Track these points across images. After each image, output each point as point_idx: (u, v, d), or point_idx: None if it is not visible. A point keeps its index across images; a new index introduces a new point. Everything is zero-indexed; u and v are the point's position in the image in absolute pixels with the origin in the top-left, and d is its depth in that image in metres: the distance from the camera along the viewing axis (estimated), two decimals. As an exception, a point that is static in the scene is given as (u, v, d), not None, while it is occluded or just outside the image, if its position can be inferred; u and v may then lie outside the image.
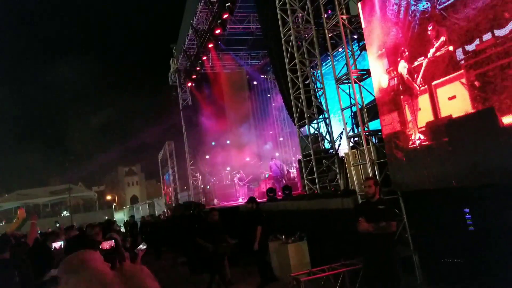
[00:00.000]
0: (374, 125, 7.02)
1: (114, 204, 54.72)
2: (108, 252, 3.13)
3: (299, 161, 10.31)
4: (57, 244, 5.59)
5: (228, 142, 20.28)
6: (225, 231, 7.58)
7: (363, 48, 7.47)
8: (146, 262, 3.99)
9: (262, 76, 21.04)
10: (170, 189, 27.50)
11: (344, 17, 7.37)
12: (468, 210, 5.00)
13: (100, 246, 3.28)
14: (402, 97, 5.75)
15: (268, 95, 20.69)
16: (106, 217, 35.82)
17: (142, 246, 4.08)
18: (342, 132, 9.06)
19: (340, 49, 8.43)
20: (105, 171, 76.89)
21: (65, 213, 41.54)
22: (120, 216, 42.09)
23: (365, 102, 7.11)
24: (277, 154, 18.56)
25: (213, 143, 20.57)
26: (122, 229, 19.09)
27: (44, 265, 3.24)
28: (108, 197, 59.29)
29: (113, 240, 3.52)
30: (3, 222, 40.70)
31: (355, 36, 7.72)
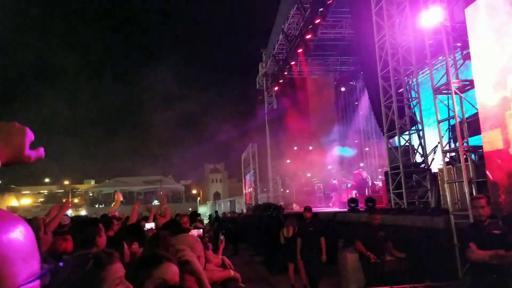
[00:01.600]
0: (474, 141, 6.43)
1: (199, 198, 57.81)
2: None
3: (386, 173, 9.84)
4: (149, 226, 6.13)
5: (310, 148, 20.15)
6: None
7: (466, 57, 6.89)
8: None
9: (350, 82, 20.52)
10: (251, 189, 28.17)
11: (446, 23, 6.87)
12: None
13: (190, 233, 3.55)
14: (507, 113, 5.17)
15: (356, 103, 20.10)
16: (190, 209, 38.16)
17: (220, 237, 4.32)
18: (436, 146, 8.42)
19: (440, 58, 7.86)
20: (192, 167, 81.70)
21: (156, 202, 45.11)
22: (203, 210, 44.37)
23: (466, 116, 6.54)
24: (361, 164, 17.94)
25: (295, 148, 20.60)
26: (206, 221, 20.14)
27: (139, 243, 3.61)
28: (194, 191, 62.81)
29: (201, 230, 3.79)
30: (103, 204, 45.64)
31: (459, 44, 7.15)
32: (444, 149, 6.92)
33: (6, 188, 55.24)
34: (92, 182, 66.72)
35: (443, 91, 6.96)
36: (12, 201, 55.91)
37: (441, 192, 7.57)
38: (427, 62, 7.69)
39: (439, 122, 7.06)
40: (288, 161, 20.58)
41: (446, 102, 6.95)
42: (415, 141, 9.03)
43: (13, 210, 40.74)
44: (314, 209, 14.74)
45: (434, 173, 8.37)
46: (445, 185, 6.87)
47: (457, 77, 6.72)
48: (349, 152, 19.03)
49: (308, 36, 14.84)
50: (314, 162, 19.42)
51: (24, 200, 58.51)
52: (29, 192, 62.59)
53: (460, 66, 7.02)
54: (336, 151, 19.02)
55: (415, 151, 8.89)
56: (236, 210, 31.90)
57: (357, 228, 7.28)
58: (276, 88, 21.47)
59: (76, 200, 55.95)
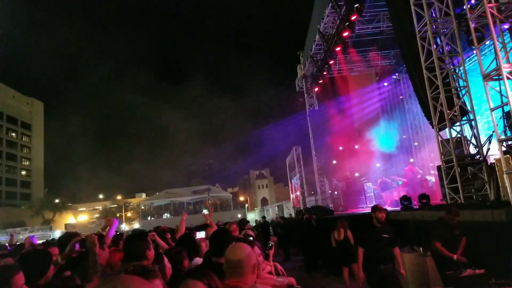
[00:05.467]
0: (534, 126, 6.01)
1: (247, 205, 58.36)
2: None
3: (439, 167, 9.41)
4: (199, 235, 6.29)
5: (356, 147, 19.73)
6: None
7: (517, 39, 6.48)
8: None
9: (393, 76, 19.90)
10: (298, 192, 28.02)
11: (492, 5, 6.51)
12: None
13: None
14: None
15: (401, 97, 19.42)
16: (239, 215, 38.60)
17: (269, 244, 4.35)
18: (491, 135, 7.95)
19: (488, 42, 7.45)
20: (238, 174, 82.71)
21: (205, 211, 46.09)
22: (252, 216, 44.72)
23: (522, 101, 6.14)
24: (411, 160, 17.29)
25: (340, 148, 20.27)
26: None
27: (190, 253, 3.72)
28: (241, 198, 63.54)
29: (251, 237, 3.85)
30: (155, 216, 47.33)
31: (506, 26, 6.75)
32: (500, 137, 6.52)
33: (63, 207, 58.93)
34: (143, 195, 69.59)
35: (494, 77, 6.59)
36: (70, 219, 59.64)
37: (500, 183, 7.13)
38: (473, 48, 7.30)
39: (492, 110, 6.68)
40: (334, 162, 20.28)
41: (497, 88, 6.57)
42: (468, 132, 8.58)
43: (71, 227, 43.46)
44: (364, 209, 14.48)
45: (491, 164, 7.88)
46: (504, 176, 6.47)
47: (507, 61, 6.34)
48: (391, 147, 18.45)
49: (345, 34, 14.63)
50: (361, 161, 19.01)
51: (80, 216, 62.24)
52: (85, 208, 66.51)
53: (511, 50, 6.60)
54: (377, 146, 18.51)
55: (468, 142, 8.43)
56: (285, 215, 31.86)
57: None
58: (316, 89, 21.29)
59: (129, 214, 58.60)
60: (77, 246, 4.06)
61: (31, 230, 43.08)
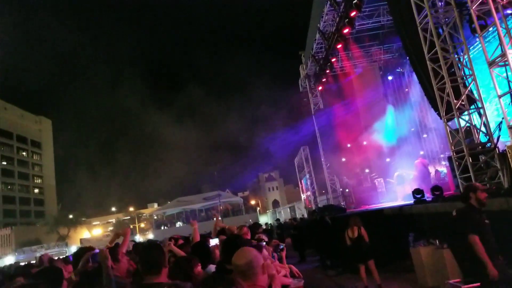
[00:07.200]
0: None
1: (258, 208, 58.27)
2: None
3: (449, 158, 9.31)
4: (213, 242, 6.29)
5: (365, 143, 19.61)
6: None
7: (521, 23, 6.40)
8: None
9: (397, 70, 19.79)
10: (309, 192, 27.93)
11: (494, -10, 6.45)
12: None
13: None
14: None
15: (406, 89, 19.29)
16: (251, 220, 38.56)
17: (280, 247, 4.33)
18: (501, 122, 7.85)
19: (491, 29, 7.37)
20: (248, 178, 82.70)
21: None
22: (264, 219, 44.63)
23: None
24: (421, 152, 17.13)
25: (348, 145, 20.17)
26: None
27: (205, 260, 3.72)
28: (252, 202, 63.49)
29: (264, 242, 3.84)
30: (168, 226, 47.44)
31: (509, 11, 6.67)
32: (510, 124, 6.44)
33: (77, 222, 59.28)
34: (155, 205, 69.83)
35: (500, 64, 6.52)
36: (84, 233, 60.00)
37: (513, 170, 7.03)
38: (476, 36, 7.23)
39: (499, 96, 6.61)
40: (344, 159, 20.17)
41: (504, 74, 6.50)
42: (477, 120, 8.48)
43: (86, 241, 43.70)
44: (378, 205, 14.37)
45: (503, 151, 7.78)
46: (517, 163, 6.38)
47: (513, 46, 6.27)
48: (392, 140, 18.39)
49: (346, 30, 14.58)
50: (371, 157, 18.88)
51: (95, 230, 62.52)
52: (98, 222, 66.85)
53: (515, 34, 6.53)
54: (385, 141, 18.40)
55: (478, 130, 8.34)
56: (297, 216, 31.76)
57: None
58: (320, 88, 21.23)
59: (142, 225, 58.81)
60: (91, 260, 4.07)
61: (47, 247, 43.43)
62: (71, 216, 59.52)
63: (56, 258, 7.70)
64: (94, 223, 66.73)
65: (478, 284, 4.61)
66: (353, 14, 13.58)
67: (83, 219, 62.02)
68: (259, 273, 2.11)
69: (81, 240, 48.94)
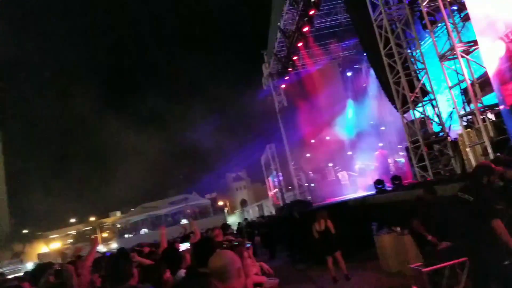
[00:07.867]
0: (489, 99, 6.37)
1: (226, 209, 58.08)
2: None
3: (407, 148, 9.77)
4: (183, 246, 6.20)
5: (327, 138, 20.10)
6: None
7: (465, 19, 6.85)
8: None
9: (356, 66, 20.43)
10: (276, 189, 28.23)
11: (441, -12, 6.84)
12: None
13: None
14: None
15: (364, 84, 19.98)
16: (220, 220, 38.38)
17: (246, 245, 4.42)
18: (452, 112, 8.36)
19: (440, 24, 7.81)
20: (215, 180, 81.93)
21: (184, 221, 45.35)
22: (233, 220, 44.53)
23: (475, 76, 6.49)
24: (380, 144, 17.79)
25: (312, 141, 20.58)
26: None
27: (175, 266, 3.68)
28: (220, 203, 63.19)
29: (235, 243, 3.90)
30: (133, 233, 46.27)
31: (455, 8, 7.10)
32: (460, 113, 6.87)
33: (33, 236, 56.20)
34: (118, 213, 67.52)
35: (449, 57, 6.93)
36: (42, 248, 57.00)
37: (464, 157, 7.50)
38: (426, 32, 7.64)
39: (450, 88, 7.02)
40: (308, 155, 20.57)
41: (453, 67, 6.91)
42: (430, 112, 8.97)
43: (44, 256, 41.60)
44: (342, 197, 14.80)
45: (454, 139, 8.29)
46: (467, 149, 6.82)
47: (460, 41, 6.68)
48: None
49: (306, 29, 14.89)
50: (334, 151, 19.36)
51: (53, 244, 59.43)
52: (57, 235, 63.50)
53: (462, 29, 6.96)
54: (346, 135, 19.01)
55: (432, 121, 8.83)
56: (265, 213, 31.97)
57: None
58: (283, 86, 21.52)
59: (105, 234, 56.77)
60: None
61: (0, 265, 40.91)
62: (25, 231, 56.39)
63: (10, 276, 7.32)
64: (51, 236, 63.40)
65: (443, 264, 4.89)
66: (312, 12, 13.89)
67: (39, 233, 58.70)
68: (235, 275, 2.14)
69: (39, 255, 46.55)
